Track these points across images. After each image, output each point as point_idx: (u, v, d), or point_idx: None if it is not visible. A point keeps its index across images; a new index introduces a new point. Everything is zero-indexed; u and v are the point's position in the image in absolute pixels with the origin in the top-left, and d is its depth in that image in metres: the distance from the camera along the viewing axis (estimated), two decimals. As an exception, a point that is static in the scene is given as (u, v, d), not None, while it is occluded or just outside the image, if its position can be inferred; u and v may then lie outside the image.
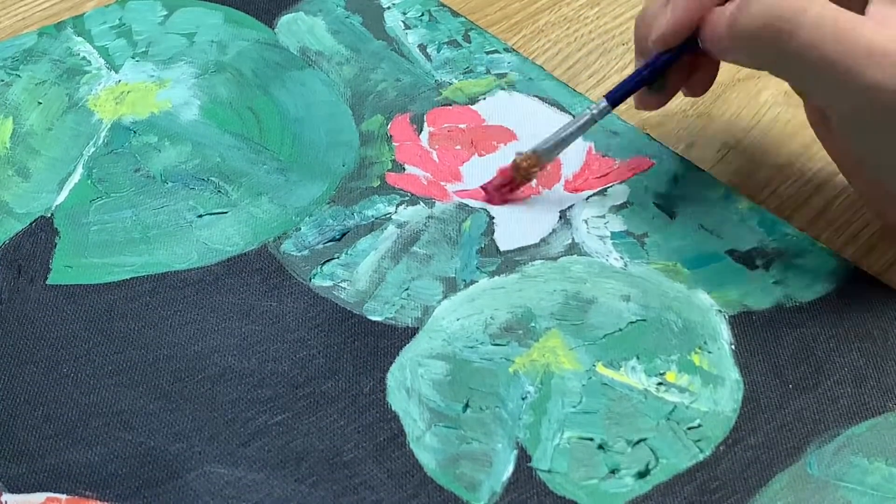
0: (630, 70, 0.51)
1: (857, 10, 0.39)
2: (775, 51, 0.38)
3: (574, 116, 0.48)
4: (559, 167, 0.46)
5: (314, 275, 0.42)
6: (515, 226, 0.44)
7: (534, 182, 0.45)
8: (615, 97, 0.43)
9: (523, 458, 0.36)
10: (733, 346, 0.39)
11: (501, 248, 0.43)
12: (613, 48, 0.53)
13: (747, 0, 0.39)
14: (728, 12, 0.39)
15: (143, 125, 0.49)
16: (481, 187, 0.45)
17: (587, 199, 0.45)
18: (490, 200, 0.45)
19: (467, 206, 0.45)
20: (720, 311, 0.40)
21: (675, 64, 0.42)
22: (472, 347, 0.39)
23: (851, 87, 0.37)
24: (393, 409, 0.38)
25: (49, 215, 0.45)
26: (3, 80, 0.51)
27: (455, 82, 0.51)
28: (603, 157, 0.47)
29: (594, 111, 0.43)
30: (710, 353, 0.39)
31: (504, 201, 0.45)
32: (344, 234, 0.44)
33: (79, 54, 0.53)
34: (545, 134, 0.44)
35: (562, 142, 0.44)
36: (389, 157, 0.47)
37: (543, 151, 0.44)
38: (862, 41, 0.37)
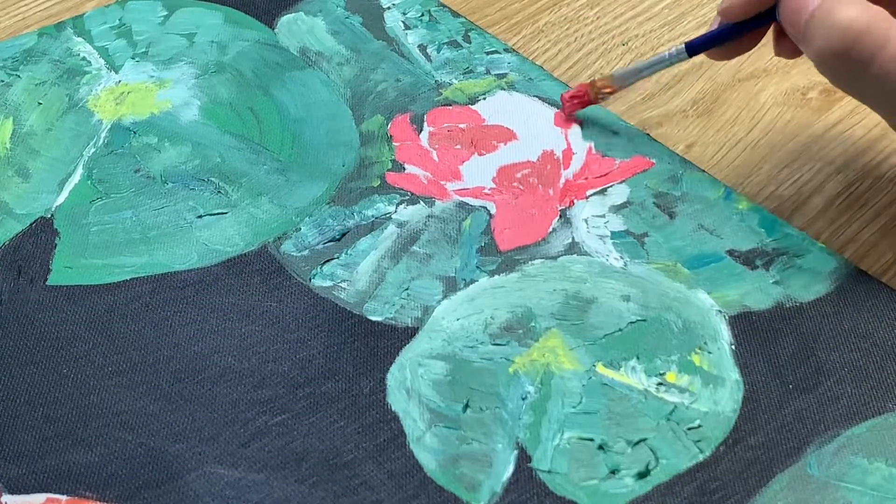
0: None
1: None
2: (851, 73, 0.37)
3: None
4: (559, 167, 0.46)
5: (314, 275, 0.42)
6: (516, 225, 0.44)
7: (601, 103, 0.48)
8: (694, 45, 0.44)
9: (523, 458, 0.36)
10: (733, 347, 0.39)
11: (501, 248, 0.43)
12: (613, 48, 0.53)
13: (829, 7, 0.37)
14: (808, 8, 0.38)
15: (143, 126, 0.49)
16: (560, 96, 0.48)
17: (587, 198, 0.45)
18: (564, 109, 0.48)
19: (467, 204, 0.45)
20: (720, 311, 0.40)
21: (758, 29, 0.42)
22: (472, 347, 0.39)
23: None
24: (393, 409, 0.38)
25: (49, 216, 0.45)
26: (3, 81, 0.51)
27: (455, 82, 0.51)
28: (603, 157, 0.47)
29: (672, 52, 0.45)
30: (710, 353, 0.39)
31: (571, 113, 0.48)
32: (344, 234, 0.44)
33: (79, 55, 0.53)
34: (546, 134, 0.44)
35: (637, 72, 0.47)
36: (389, 156, 0.47)
37: (620, 76, 0.47)
38: None
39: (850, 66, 0.37)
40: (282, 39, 0.54)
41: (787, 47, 0.42)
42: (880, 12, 0.37)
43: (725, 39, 0.43)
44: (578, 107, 0.48)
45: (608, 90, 0.47)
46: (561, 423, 0.37)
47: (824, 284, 0.41)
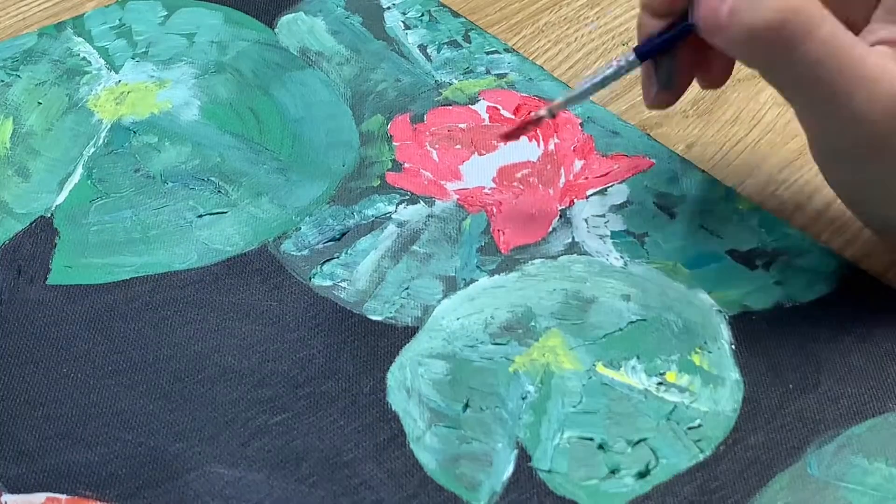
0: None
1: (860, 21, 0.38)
2: (778, 53, 0.36)
3: (576, 114, 0.48)
4: (559, 166, 0.46)
5: (314, 274, 0.42)
6: (516, 225, 0.44)
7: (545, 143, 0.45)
8: (643, 51, 0.40)
9: (523, 457, 0.36)
10: (733, 346, 0.39)
11: (501, 249, 0.43)
12: (613, 48, 0.53)
13: None
14: None
15: (143, 125, 0.49)
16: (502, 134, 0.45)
17: (587, 198, 0.45)
18: (506, 135, 0.44)
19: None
20: (720, 311, 0.40)
21: (679, 43, 0.40)
22: (472, 347, 0.39)
23: (842, 113, 0.36)
24: (393, 408, 0.38)
25: (49, 215, 0.45)
26: (3, 81, 0.51)
27: (455, 82, 0.51)
28: (603, 157, 0.47)
29: (620, 63, 0.41)
30: (710, 353, 0.39)
31: (512, 138, 0.45)
32: (344, 234, 0.44)
33: (79, 55, 0.53)
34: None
35: (585, 93, 0.42)
36: (389, 156, 0.47)
37: (574, 100, 0.43)
38: (864, 69, 0.36)
39: (778, 47, 0.36)
40: (282, 39, 0.54)
41: (713, 79, 0.42)
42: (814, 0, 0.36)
43: (674, 40, 0.40)
44: (523, 135, 0.45)
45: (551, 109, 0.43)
46: (561, 423, 0.37)
47: (824, 284, 0.41)
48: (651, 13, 0.40)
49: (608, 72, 0.41)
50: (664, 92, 0.42)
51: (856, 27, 0.38)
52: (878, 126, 0.36)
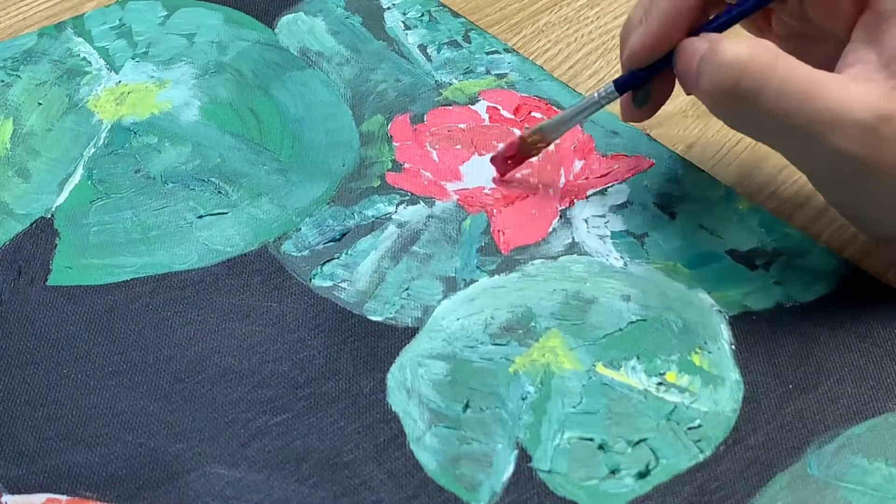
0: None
1: (831, 53, 0.39)
2: (742, 108, 0.38)
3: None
4: (559, 166, 0.46)
5: (314, 275, 0.42)
6: (516, 225, 0.44)
7: (537, 158, 0.45)
8: (621, 83, 0.43)
9: (523, 458, 0.36)
10: (733, 347, 0.39)
11: (502, 250, 0.43)
12: (613, 48, 0.53)
13: (716, 48, 0.37)
14: (699, 53, 0.38)
15: (143, 126, 0.49)
16: (490, 158, 0.46)
17: (587, 198, 0.45)
18: (497, 170, 0.46)
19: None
20: (720, 311, 0.40)
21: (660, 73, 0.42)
22: (472, 347, 0.39)
23: (817, 151, 0.37)
24: (393, 409, 0.38)
25: (49, 216, 0.45)
26: (3, 81, 0.51)
27: (455, 82, 0.51)
28: (603, 156, 0.47)
29: (601, 92, 0.43)
30: (710, 353, 0.39)
31: (507, 172, 0.46)
32: (344, 235, 0.44)
33: (79, 55, 0.53)
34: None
35: (567, 121, 0.44)
36: (389, 157, 0.47)
37: (548, 128, 0.44)
38: (826, 106, 0.36)
39: (740, 104, 0.37)
40: (282, 39, 0.54)
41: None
42: (766, 46, 0.37)
43: (653, 74, 0.42)
44: (513, 167, 0.45)
45: (542, 144, 0.45)
46: (561, 423, 0.37)
47: (824, 284, 0.41)
48: (633, 66, 0.42)
49: (589, 103, 0.43)
50: (640, 109, 0.44)
51: (841, 45, 0.39)
52: (856, 154, 0.36)
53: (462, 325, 0.40)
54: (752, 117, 0.38)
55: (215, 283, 0.42)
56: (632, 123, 0.47)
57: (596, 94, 0.43)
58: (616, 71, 0.52)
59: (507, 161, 0.45)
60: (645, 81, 0.42)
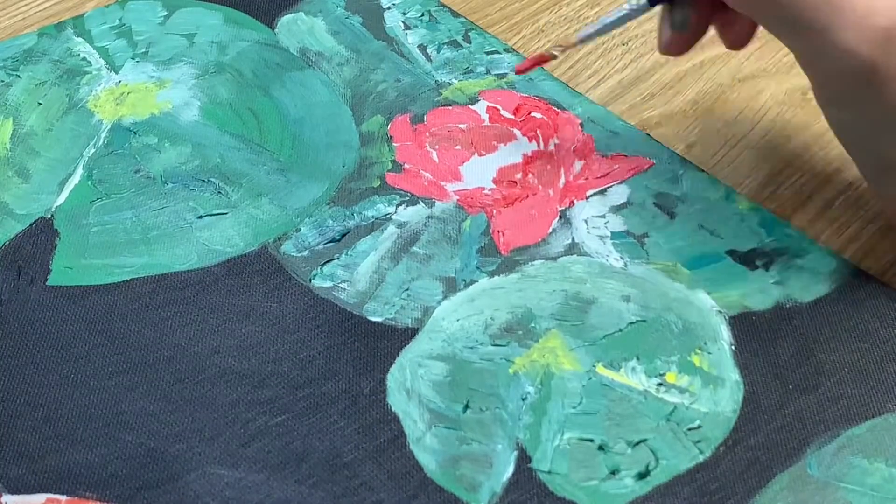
0: (629, 70, 0.52)
1: None
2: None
3: (576, 114, 0.48)
4: (559, 167, 0.46)
5: (314, 276, 0.42)
6: (516, 226, 0.44)
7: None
8: None
9: (523, 459, 0.36)
10: (733, 347, 0.39)
11: (501, 250, 0.43)
12: (613, 48, 0.53)
13: None
14: None
15: (143, 126, 0.49)
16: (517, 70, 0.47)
17: (587, 198, 0.45)
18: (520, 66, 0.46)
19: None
20: (720, 311, 0.40)
21: None
22: (472, 348, 0.39)
23: (827, 48, 0.37)
24: (393, 410, 0.38)
25: (49, 216, 0.45)
26: (3, 81, 0.51)
27: (455, 82, 0.51)
28: (603, 157, 0.47)
29: (632, 6, 0.42)
30: (710, 353, 0.39)
31: (528, 69, 0.46)
32: (344, 235, 0.44)
33: (79, 55, 0.53)
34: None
35: (593, 35, 0.44)
36: (389, 157, 0.47)
37: (575, 43, 0.44)
38: (848, 5, 0.36)
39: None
40: (282, 40, 0.54)
41: (737, 34, 0.43)
42: None
43: None
44: (535, 65, 0.46)
45: (563, 46, 0.45)
46: (561, 424, 0.37)
47: (824, 285, 0.41)
48: None
49: (620, 14, 0.42)
50: (677, 34, 0.42)
51: None
52: (868, 58, 0.37)
53: (462, 325, 0.40)
54: (777, 7, 0.38)
55: (215, 283, 0.42)
56: (634, 121, 0.47)
57: (627, 6, 0.42)
58: (616, 71, 0.52)
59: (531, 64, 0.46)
60: None
